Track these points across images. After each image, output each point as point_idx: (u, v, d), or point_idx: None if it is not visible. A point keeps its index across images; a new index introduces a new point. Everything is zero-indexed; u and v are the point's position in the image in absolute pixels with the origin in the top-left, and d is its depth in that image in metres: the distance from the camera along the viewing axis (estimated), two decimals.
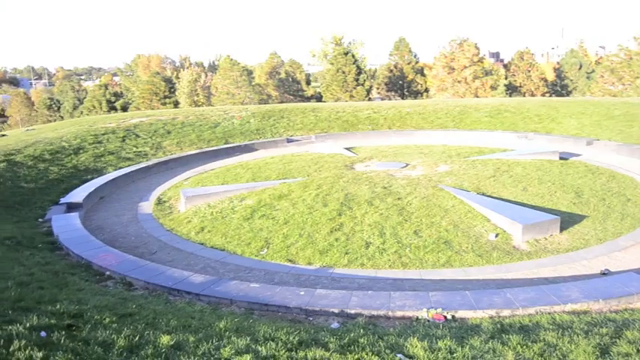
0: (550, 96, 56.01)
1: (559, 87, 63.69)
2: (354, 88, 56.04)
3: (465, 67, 54.74)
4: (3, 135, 30.85)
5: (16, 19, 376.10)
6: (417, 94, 60.72)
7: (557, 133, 25.11)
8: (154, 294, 8.72)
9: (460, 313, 7.32)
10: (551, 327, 6.35)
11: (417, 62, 63.16)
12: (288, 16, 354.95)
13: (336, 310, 7.68)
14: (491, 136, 25.59)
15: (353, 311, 7.61)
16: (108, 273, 9.66)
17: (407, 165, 19.33)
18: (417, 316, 7.39)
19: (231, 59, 64.07)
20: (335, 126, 29.79)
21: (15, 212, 14.66)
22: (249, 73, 66.03)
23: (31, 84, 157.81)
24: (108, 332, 6.05)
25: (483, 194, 14.62)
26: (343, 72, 56.45)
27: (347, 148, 23.94)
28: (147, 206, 16.10)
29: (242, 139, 27.08)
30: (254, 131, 28.21)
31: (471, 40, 55.95)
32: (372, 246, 11.35)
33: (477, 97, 51.94)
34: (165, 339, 5.77)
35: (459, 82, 55.30)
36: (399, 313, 7.51)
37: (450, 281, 9.69)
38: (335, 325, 7.30)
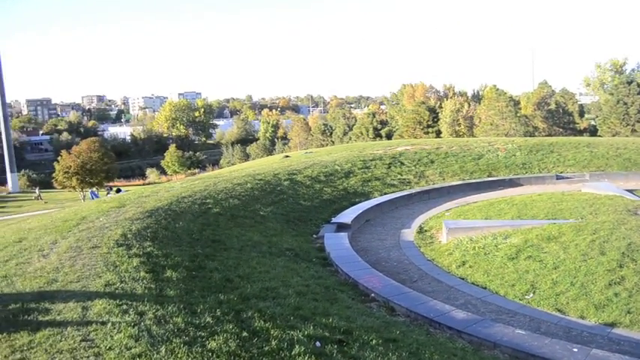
0: None
1: None
2: (638, 122, 49.63)
3: None
4: (287, 156, 35.23)
5: (299, 54, 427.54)
6: None
7: None
8: (415, 323, 8.80)
9: None
10: None
11: None
12: (559, 42, 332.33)
13: None
14: None
15: None
16: (372, 295, 10.08)
17: None
18: None
19: (497, 89, 62.57)
20: (614, 164, 26.66)
21: (294, 226, 16.40)
22: (516, 103, 63.37)
23: (309, 111, 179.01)
24: (374, 354, 6.29)
25: None
26: (625, 103, 50.52)
27: (629, 190, 21.15)
28: (408, 233, 16.48)
29: (506, 172, 26.05)
30: (519, 165, 26.90)
31: None
32: None
33: None
34: None
35: None
36: None
37: None
38: None
